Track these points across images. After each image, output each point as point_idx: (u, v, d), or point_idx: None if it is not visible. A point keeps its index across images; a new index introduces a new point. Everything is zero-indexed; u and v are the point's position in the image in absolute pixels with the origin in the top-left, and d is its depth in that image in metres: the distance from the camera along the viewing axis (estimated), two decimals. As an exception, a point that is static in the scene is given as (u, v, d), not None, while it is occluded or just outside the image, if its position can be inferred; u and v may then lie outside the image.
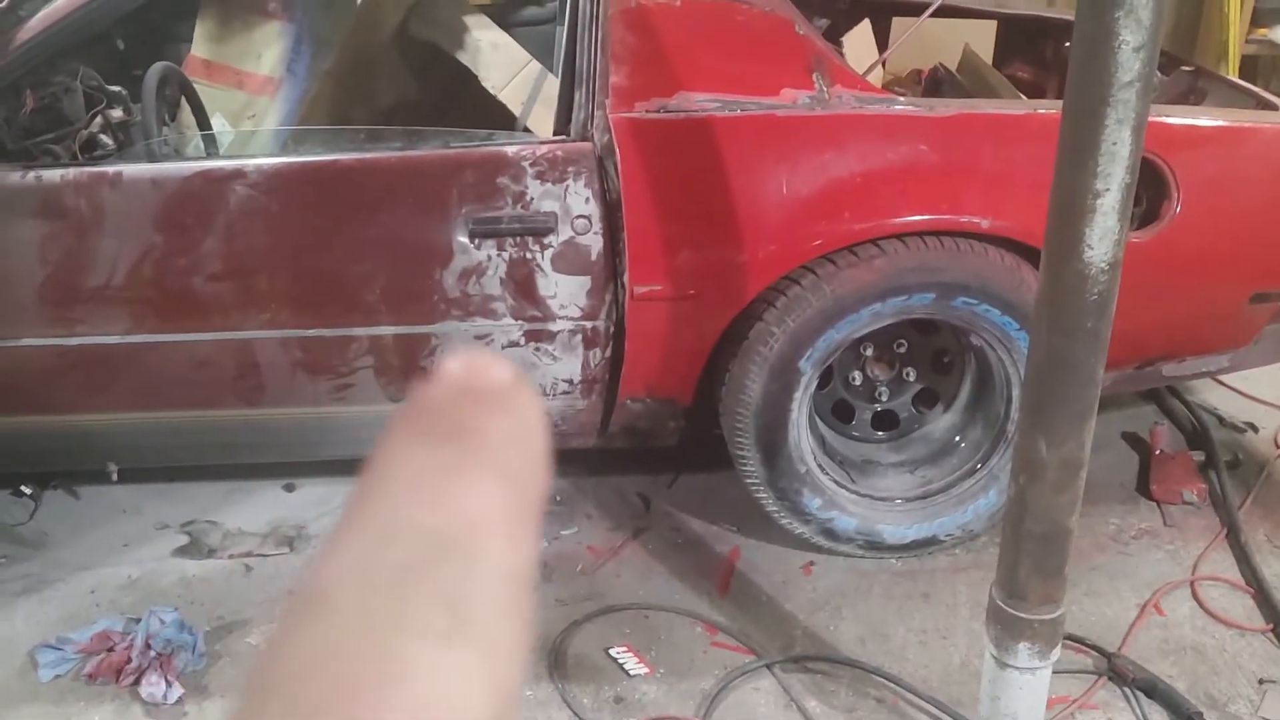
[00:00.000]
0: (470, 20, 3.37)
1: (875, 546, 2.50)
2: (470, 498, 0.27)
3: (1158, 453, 2.80)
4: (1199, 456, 2.83)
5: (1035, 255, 1.75)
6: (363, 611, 0.25)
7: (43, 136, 2.40)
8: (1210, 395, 3.15)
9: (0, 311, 2.24)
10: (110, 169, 2.23)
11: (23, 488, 2.66)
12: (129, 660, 2.17)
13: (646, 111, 2.16)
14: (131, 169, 2.23)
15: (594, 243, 2.22)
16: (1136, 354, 2.48)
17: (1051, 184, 1.54)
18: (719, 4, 2.22)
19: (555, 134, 2.34)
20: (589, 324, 2.29)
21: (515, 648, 0.26)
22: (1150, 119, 2.09)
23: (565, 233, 2.21)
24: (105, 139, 2.48)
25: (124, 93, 2.59)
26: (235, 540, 2.58)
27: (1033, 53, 3.38)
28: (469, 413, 0.28)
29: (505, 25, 3.45)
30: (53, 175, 2.21)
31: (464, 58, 3.34)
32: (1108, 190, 1.46)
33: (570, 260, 2.23)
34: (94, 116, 2.47)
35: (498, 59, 3.35)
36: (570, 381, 2.36)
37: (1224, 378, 3.04)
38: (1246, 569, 2.47)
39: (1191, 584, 2.44)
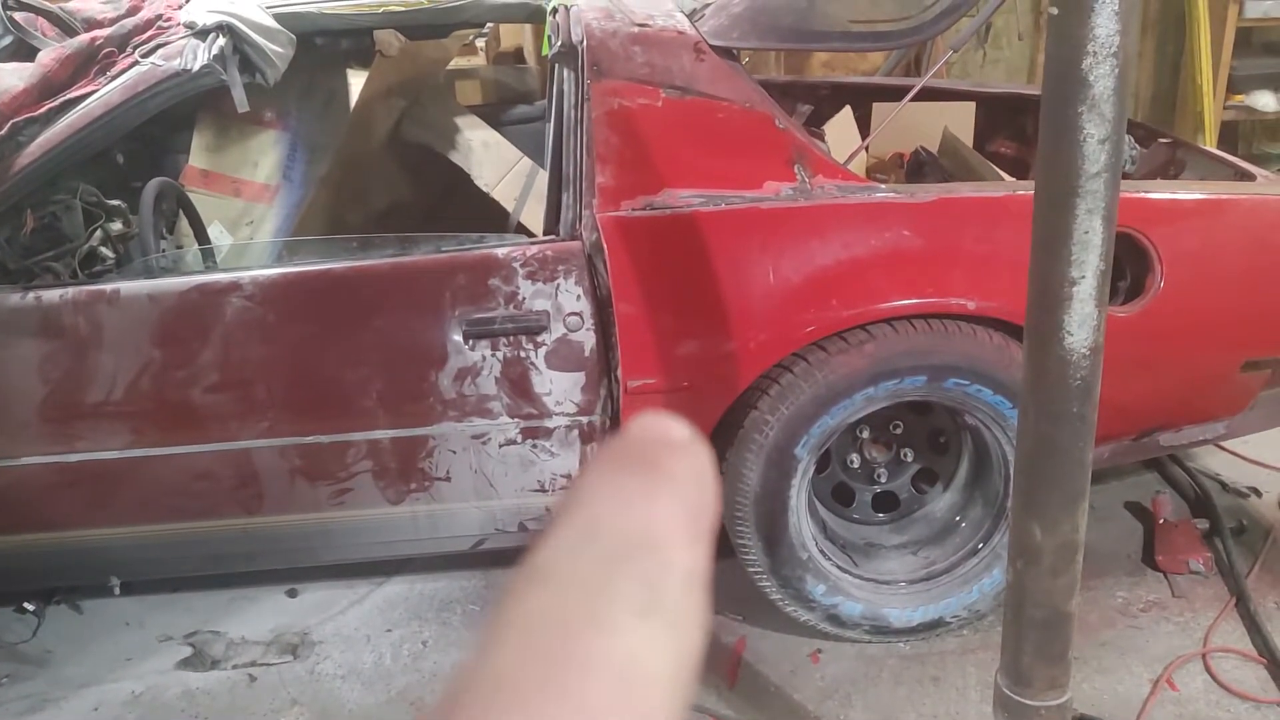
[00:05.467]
0: (461, 121, 3.45)
1: (882, 631, 2.48)
2: (660, 513, 0.34)
3: (1161, 522, 2.78)
4: (1203, 524, 2.80)
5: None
6: (578, 583, 0.31)
7: (43, 255, 2.45)
8: (1212, 461, 3.14)
9: (2, 431, 2.26)
10: (108, 286, 2.26)
11: (25, 604, 2.65)
12: (133, 779, 2.15)
13: (633, 210, 2.20)
14: (128, 286, 2.26)
15: (586, 339, 2.24)
16: (1132, 425, 2.48)
17: (1028, 273, 1.56)
18: (699, 102, 2.26)
19: (545, 234, 2.38)
20: (585, 419, 2.30)
21: (694, 632, 0.33)
22: (1129, 195, 2.14)
23: (558, 330, 2.24)
24: (106, 252, 2.53)
25: (123, 206, 2.65)
26: (239, 650, 2.57)
27: (1014, 128, 3.44)
28: (660, 453, 0.36)
29: (496, 125, 3.53)
30: (51, 295, 2.24)
31: (456, 158, 3.42)
32: (1083, 278, 1.48)
33: (564, 357, 2.25)
34: (93, 232, 2.52)
35: (489, 157, 3.42)
36: (568, 476, 2.36)
37: (1226, 443, 3.03)
38: (1258, 639, 2.44)
39: (1203, 656, 2.41)
